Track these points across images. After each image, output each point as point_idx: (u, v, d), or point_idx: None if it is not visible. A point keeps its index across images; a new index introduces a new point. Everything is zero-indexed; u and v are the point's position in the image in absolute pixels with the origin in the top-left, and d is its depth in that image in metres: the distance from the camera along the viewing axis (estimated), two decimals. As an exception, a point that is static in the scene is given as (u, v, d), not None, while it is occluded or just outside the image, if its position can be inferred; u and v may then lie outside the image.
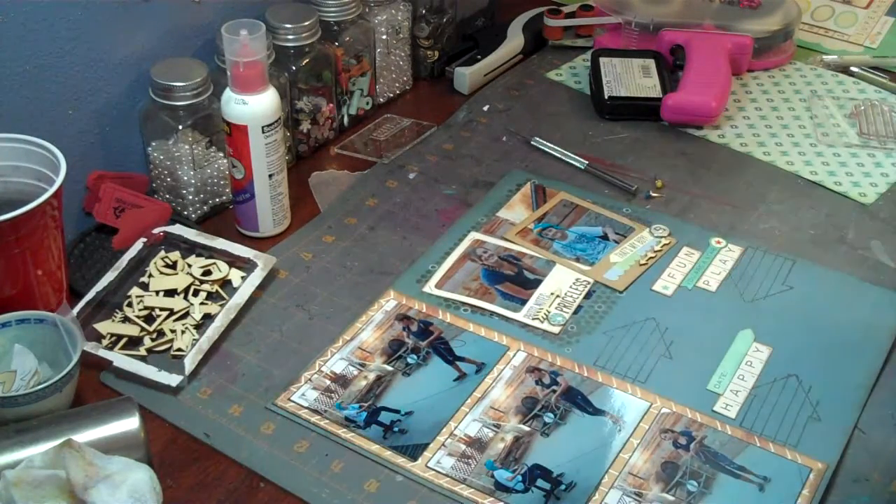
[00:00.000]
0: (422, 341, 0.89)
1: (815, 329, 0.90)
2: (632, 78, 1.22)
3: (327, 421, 0.82)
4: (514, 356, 0.87)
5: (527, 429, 0.81)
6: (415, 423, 0.82)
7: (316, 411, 0.82)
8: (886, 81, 1.27)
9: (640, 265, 0.97)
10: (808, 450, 0.79)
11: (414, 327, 0.90)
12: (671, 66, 1.26)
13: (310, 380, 0.85)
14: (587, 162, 1.12)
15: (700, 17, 1.29)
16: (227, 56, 0.94)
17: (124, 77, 1.01)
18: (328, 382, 0.85)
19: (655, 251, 0.98)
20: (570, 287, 0.94)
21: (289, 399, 0.84)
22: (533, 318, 0.91)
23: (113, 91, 1.01)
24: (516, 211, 1.04)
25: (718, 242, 0.99)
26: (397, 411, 0.83)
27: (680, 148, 1.15)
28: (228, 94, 0.95)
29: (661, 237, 1.00)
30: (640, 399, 0.84)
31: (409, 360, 0.87)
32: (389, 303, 0.93)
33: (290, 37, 1.07)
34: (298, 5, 1.10)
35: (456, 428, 0.81)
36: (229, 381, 0.86)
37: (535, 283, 0.95)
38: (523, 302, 0.93)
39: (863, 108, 1.21)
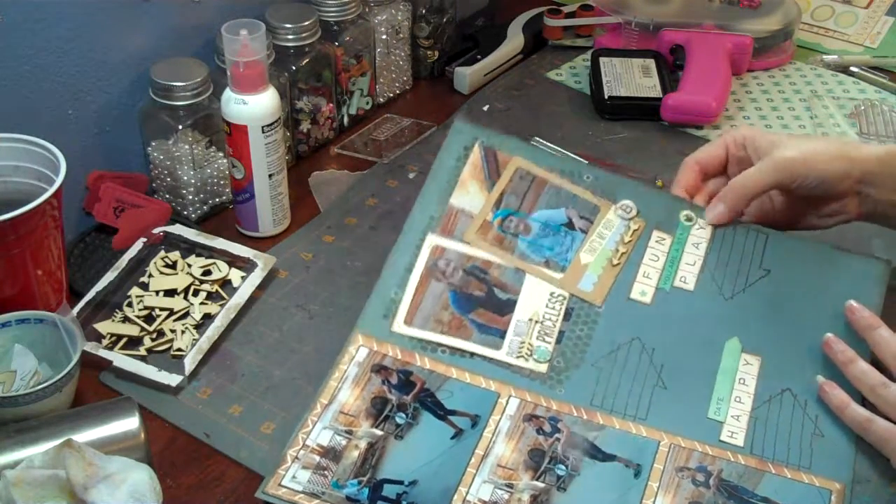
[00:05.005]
0: (406, 395, 0.82)
1: (799, 325, 0.87)
2: (632, 78, 1.22)
3: None
4: (506, 403, 0.82)
5: (542, 485, 0.76)
6: (422, 494, 0.75)
7: (313, 495, 0.74)
8: (886, 81, 1.27)
9: (613, 265, 0.92)
10: (821, 470, 0.78)
11: (394, 379, 0.83)
12: (671, 66, 1.26)
13: (297, 458, 0.77)
14: (587, 162, 1.12)
15: (700, 17, 1.29)
16: (227, 56, 0.94)
17: (124, 77, 1.01)
18: (317, 458, 0.77)
19: (626, 242, 0.93)
20: (547, 307, 0.88)
21: (279, 484, 0.75)
22: (517, 357, 0.85)
23: (113, 91, 1.01)
24: (470, 192, 0.93)
25: (688, 219, 0.94)
26: (400, 482, 0.76)
27: (680, 148, 1.15)
28: (228, 94, 0.95)
29: (629, 219, 0.94)
30: (647, 437, 0.80)
31: (398, 420, 0.80)
32: (360, 351, 0.84)
33: (290, 37, 1.07)
34: (298, 5, 1.10)
35: (468, 493, 0.75)
36: (229, 381, 0.86)
37: (510, 305, 0.88)
38: (502, 334, 0.86)
39: (863, 108, 1.21)
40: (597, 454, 0.79)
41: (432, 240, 0.91)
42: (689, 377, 0.85)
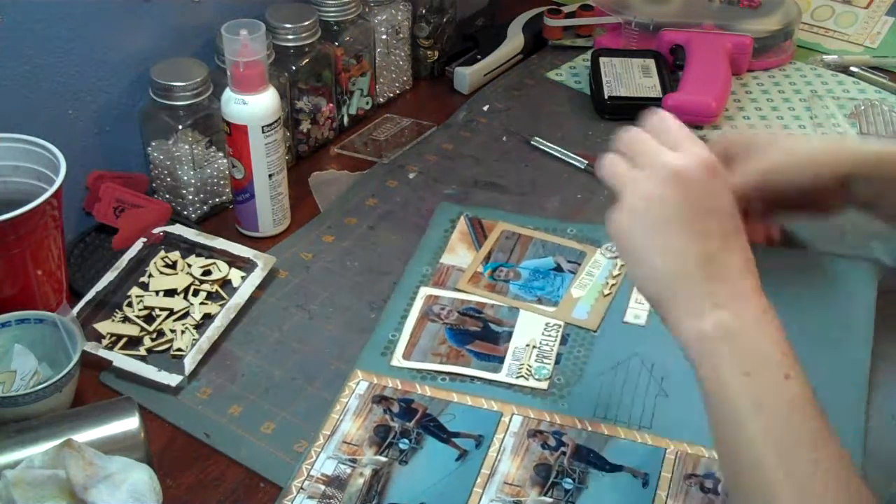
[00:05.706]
0: (408, 422, 0.81)
1: (797, 327, 0.86)
2: (632, 78, 1.22)
3: None
4: (510, 421, 0.81)
5: (549, 500, 0.76)
6: None
7: None
8: (886, 81, 1.27)
9: (605, 296, 0.93)
10: None
11: (395, 408, 0.82)
12: (671, 66, 1.26)
13: (302, 488, 0.76)
14: (587, 162, 1.12)
15: (700, 17, 1.29)
16: (227, 56, 0.94)
17: (124, 77, 1.02)
18: (323, 487, 0.76)
19: (615, 276, 0.94)
20: (543, 334, 0.89)
21: None
22: (517, 377, 0.85)
23: (113, 91, 1.01)
24: (459, 254, 0.98)
25: None
26: None
27: (680, 148, 1.15)
28: (228, 94, 0.95)
29: (616, 257, 0.96)
30: (653, 445, 0.79)
31: (402, 446, 0.79)
32: (360, 385, 0.84)
33: (290, 37, 1.07)
34: (298, 5, 1.10)
35: None
36: (229, 381, 0.86)
37: (506, 336, 0.89)
38: (501, 360, 0.87)
39: (863, 108, 1.21)
40: (603, 465, 0.78)
41: (426, 290, 0.94)
42: (690, 385, 0.84)
